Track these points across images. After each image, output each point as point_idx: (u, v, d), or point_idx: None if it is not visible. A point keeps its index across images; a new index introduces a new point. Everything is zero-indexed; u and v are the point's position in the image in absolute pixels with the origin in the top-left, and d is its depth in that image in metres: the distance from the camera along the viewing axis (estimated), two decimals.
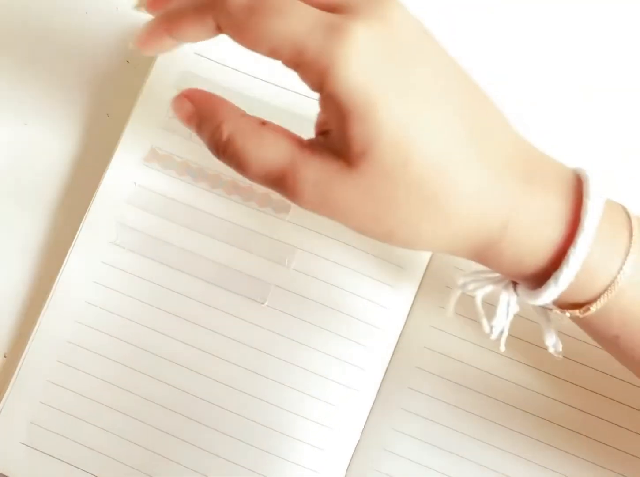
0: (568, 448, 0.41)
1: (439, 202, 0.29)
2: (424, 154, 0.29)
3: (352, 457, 0.41)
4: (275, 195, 0.40)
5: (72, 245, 0.43)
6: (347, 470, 0.41)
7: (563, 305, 0.32)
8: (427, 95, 0.29)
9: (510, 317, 0.34)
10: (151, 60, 0.44)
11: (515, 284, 0.34)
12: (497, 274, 0.34)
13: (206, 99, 0.33)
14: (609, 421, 0.41)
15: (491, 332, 0.35)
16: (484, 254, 0.31)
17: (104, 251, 0.43)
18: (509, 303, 0.34)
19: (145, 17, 0.39)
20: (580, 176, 0.31)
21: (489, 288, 0.34)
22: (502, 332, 0.35)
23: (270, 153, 0.30)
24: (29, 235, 0.44)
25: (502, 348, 0.35)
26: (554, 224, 0.30)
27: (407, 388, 0.42)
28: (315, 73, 0.28)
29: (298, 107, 0.43)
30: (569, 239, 0.30)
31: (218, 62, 0.44)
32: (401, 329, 0.42)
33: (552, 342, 0.34)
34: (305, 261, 0.42)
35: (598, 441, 0.41)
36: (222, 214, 0.43)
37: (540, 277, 0.31)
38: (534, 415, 0.42)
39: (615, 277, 0.31)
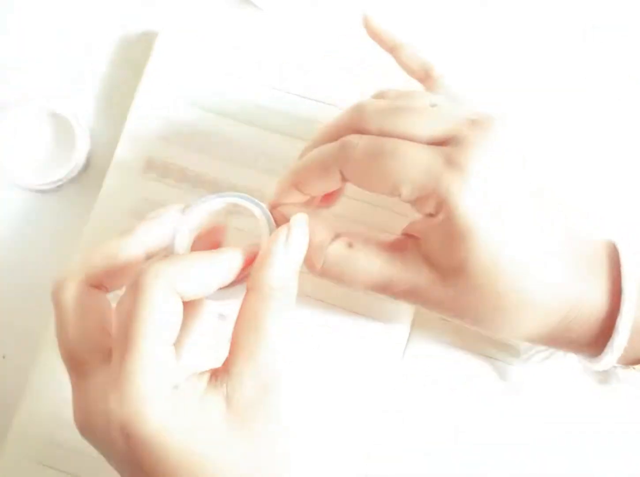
0: None
1: (526, 301, 0.33)
2: (515, 271, 0.32)
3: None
4: None
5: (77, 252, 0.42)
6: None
7: (626, 362, 0.35)
8: (523, 219, 0.33)
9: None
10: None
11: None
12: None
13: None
14: None
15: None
16: (552, 336, 0.34)
17: None
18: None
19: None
20: (612, 246, 0.35)
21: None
22: None
23: (365, 274, 0.34)
24: None
25: None
26: (602, 303, 0.33)
27: None
28: (431, 205, 0.32)
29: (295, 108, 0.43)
30: (615, 308, 0.33)
31: (207, 68, 0.43)
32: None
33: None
34: None
35: None
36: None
37: (596, 347, 0.34)
38: None
39: None
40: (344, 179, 0.34)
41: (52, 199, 0.44)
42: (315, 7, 0.45)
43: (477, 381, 0.41)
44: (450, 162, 0.32)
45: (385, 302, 0.41)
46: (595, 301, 0.33)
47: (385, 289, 0.34)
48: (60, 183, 0.43)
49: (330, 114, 0.42)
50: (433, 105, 0.34)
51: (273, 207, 0.36)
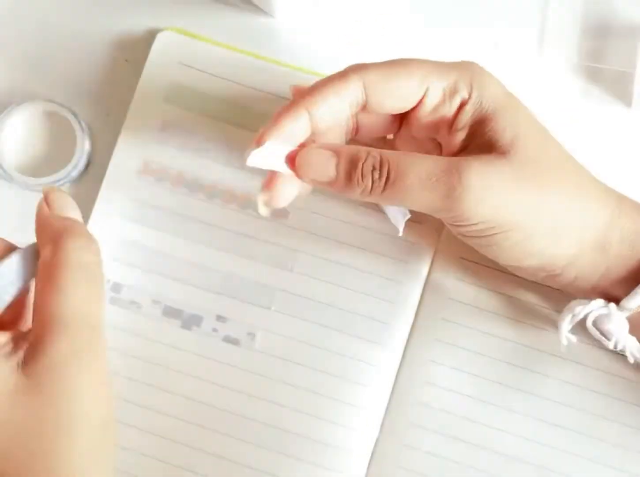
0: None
1: (582, 179, 0.36)
2: (555, 144, 0.36)
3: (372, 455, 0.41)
4: None
5: None
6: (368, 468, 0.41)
7: None
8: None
9: (625, 331, 0.38)
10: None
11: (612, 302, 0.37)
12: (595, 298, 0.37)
13: (347, 150, 0.34)
14: None
15: (615, 348, 0.38)
16: (600, 248, 0.36)
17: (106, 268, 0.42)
18: (621, 318, 0.37)
19: None
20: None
21: (597, 305, 0.37)
22: (625, 348, 0.38)
23: (427, 167, 0.33)
24: None
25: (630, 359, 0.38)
26: None
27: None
28: (462, 90, 0.35)
29: None
30: None
31: (203, 71, 0.43)
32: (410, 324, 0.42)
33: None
34: (308, 264, 0.42)
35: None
36: (221, 223, 0.42)
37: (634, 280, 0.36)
38: None
39: None
40: (363, 93, 0.34)
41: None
42: (317, 7, 0.45)
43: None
44: (462, 62, 0.35)
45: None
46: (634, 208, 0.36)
47: (451, 188, 0.33)
48: (60, 183, 0.43)
49: None
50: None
51: (266, 134, 0.34)
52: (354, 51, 0.44)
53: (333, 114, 0.34)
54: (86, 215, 0.42)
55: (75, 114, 0.43)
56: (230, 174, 0.43)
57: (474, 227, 0.35)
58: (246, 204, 0.42)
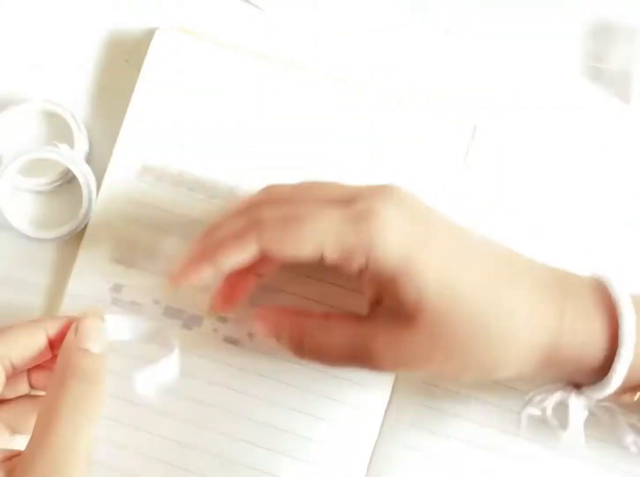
0: None
1: (494, 332, 0.33)
2: (466, 292, 0.33)
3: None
4: None
5: (77, 254, 0.42)
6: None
7: (627, 390, 0.35)
8: (451, 246, 0.34)
9: (583, 420, 0.37)
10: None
11: (577, 388, 0.37)
12: (558, 384, 0.37)
13: (277, 314, 0.38)
14: None
15: (570, 438, 0.37)
16: (550, 362, 0.35)
17: (106, 269, 0.42)
18: (578, 407, 0.37)
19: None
20: (599, 277, 0.36)
21: (557, 397, 0.37)
22: (580, 436, 0.37)
23: (341, 338, 0.35)
24: None
25: (583, 448, 0.37)
26: (596, 315, 0.34)
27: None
28: (358, 258, 0.33)
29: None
30: (615, 327, 0.34)
31: (201, 70, 0.43)
32: None
33: (630, 440, 0.37)
34: None
35: None
36: None
37: (602, 368, 0.34)
38: None
39: None
40: (260, 251, 0.34)
41: (50, 200, 0.44)
42: (314, 8, 0.45)
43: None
44: (362, 212, 0.33)
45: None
46: (592, 320, 0.34)
47: (361, 352, 0.35)
48: (57, 184, 0.43)
49: (332, 112, 0.43)
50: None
51: (177, 282, 0.36)
52: (342, 43, 0.45)
53: (235, 264, 0.35)
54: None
55: (73, 114, 0.43)
56: (230, 173, 0.43)
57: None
58: None
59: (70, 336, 0.36)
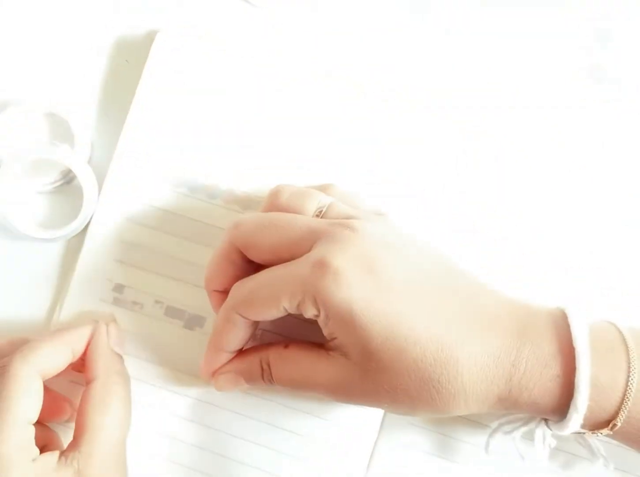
0: None
1: (441, 387, 0.34)
2: (411, 347, 0.33)
3: None
4: None
5: (79, 255, 0.42)
6: None
7: (592, 427, 0.35)
8: (403, 296, 0.34)
9: (548, 449, 0.37)
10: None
11: (546, 419, 0.37)
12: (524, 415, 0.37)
13: (241, 355, 0.39)
14: None
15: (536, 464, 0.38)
16: (504, 404, 0.35)
17: (109, 269, 0.42)
18: (545, 437, 0.37)
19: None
20: (562, 312, 0.35)
21: (524, 428, 0.37)
22: (544, 463, 0.38)
23: (294, 370, 0.37)
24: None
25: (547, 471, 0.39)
26: (553, 362, 0.34)
27: None
28: (310, 306, 0.34)
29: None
30: (571, 368, 0.33)
31: (202, 72, 0.43)
32: None
33: (600, 462, 0.37)
34: None
35: None
36: (222, 224, 0.42)
37: (561, 410, 0.34)
38: None
39: (627, 387, 0.33)
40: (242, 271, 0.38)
41: (51, 200, 0.44)
42: (314, 8, 0.45)
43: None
44: (315, 263, 0.34)
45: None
46: (546, 365, 0.34)
47: (312, 386, 0.36)
48: (58, 184, 0.43)
49: (332, 112, 0.43)
50: (321, 206, 0.37)
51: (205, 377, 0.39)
52: (342, 43, 0.45)
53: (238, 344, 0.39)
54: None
55: (74, 115, 0.43)
56: (231, 173, 0.43)
57: None
58: (247, 204, 0.42)
59: (103, 340, 0.40)
